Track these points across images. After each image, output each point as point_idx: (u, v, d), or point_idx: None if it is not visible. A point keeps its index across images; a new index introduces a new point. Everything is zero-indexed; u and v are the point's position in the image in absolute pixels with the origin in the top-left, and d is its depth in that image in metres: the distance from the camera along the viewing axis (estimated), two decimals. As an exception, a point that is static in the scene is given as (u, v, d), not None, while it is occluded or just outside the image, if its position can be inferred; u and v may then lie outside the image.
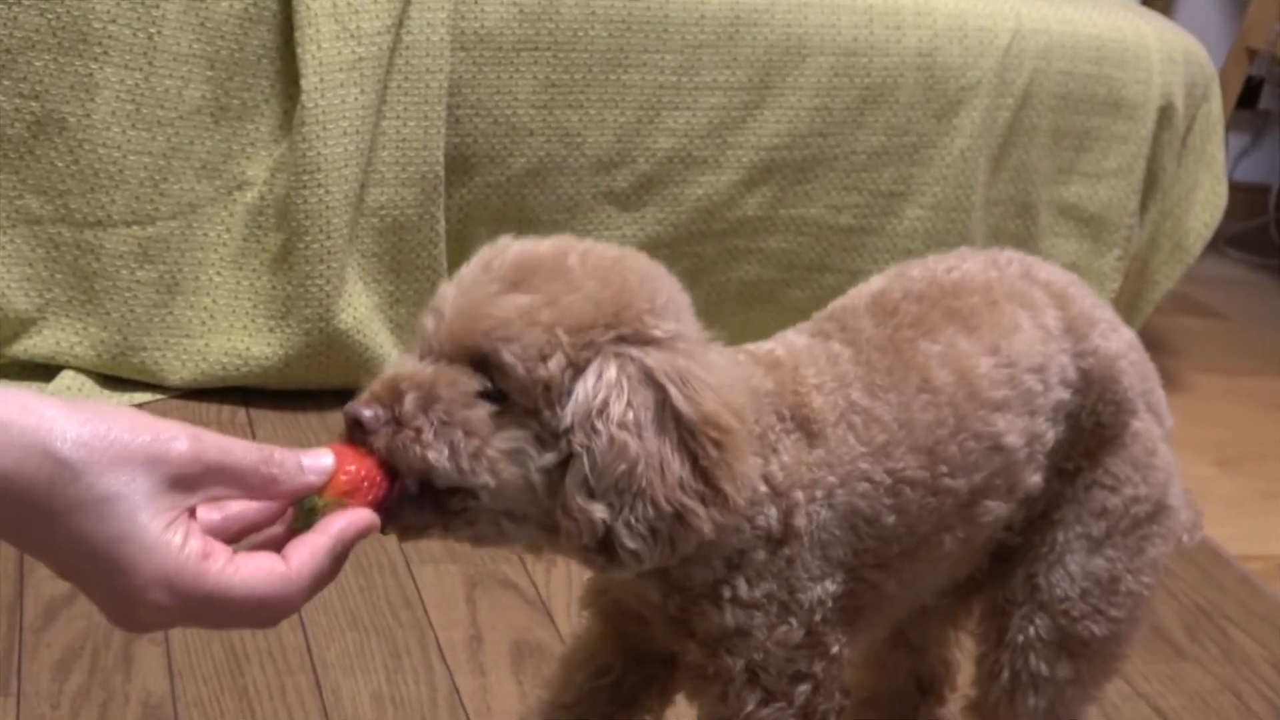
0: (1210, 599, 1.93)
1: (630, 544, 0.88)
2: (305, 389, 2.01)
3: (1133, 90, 2.41)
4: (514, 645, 1.55)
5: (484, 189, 2.09)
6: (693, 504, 0.88)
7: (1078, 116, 2.40)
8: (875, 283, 1.10)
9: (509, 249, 0.92)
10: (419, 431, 0.86)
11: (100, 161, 1.88)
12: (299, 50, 1.91)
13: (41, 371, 1.93)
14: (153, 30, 1.88)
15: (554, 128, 2.09)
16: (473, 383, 0.87)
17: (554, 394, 0.88)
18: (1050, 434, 1.07)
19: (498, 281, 0.89)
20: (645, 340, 0.89)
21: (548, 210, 2.11)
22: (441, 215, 2.03)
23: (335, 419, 2.01)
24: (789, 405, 1.00)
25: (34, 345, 1.92)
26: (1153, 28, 2.48)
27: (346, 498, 0.84)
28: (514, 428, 0.88)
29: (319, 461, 0.83)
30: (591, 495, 0.87)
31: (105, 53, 1.87)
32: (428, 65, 1.99)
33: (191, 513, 0.77)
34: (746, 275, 2.25)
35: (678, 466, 0.87)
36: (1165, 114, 2.44)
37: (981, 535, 1.09)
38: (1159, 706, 1.65)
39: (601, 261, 0.91)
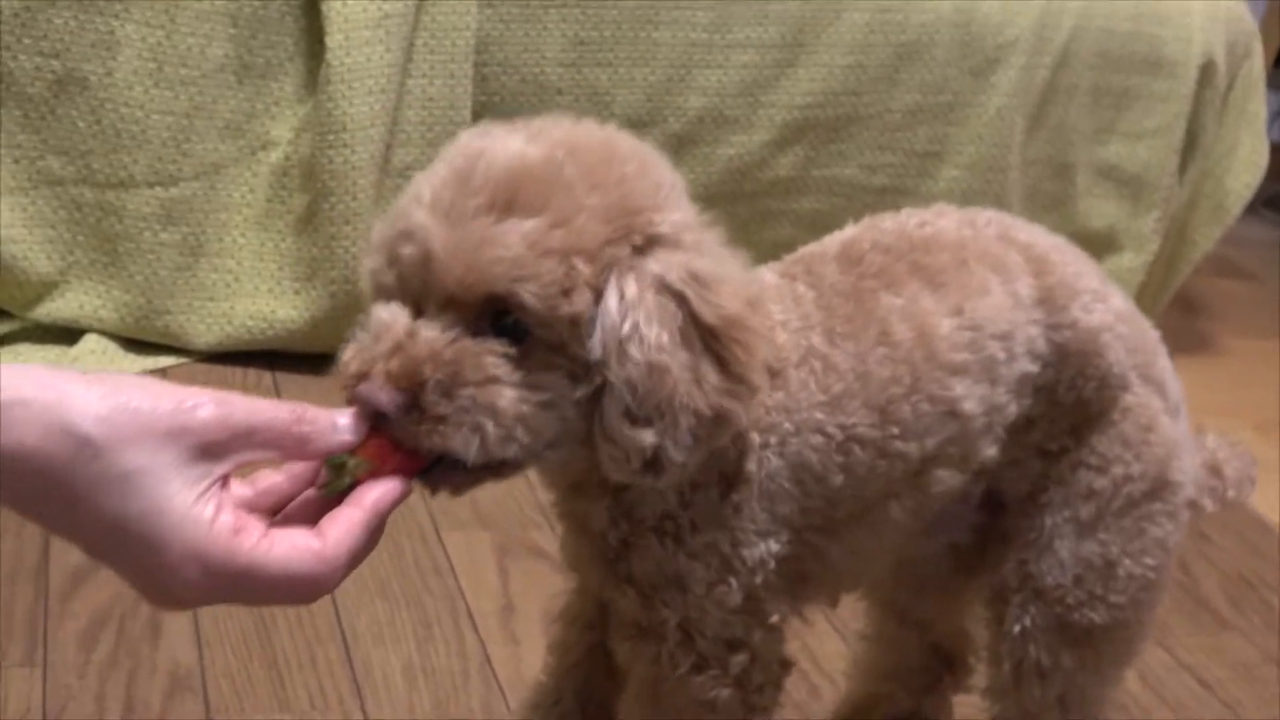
0: (1253, 568, 1.89)
1: (678, 457, 0.85)
2: (332, 352, 1.95)
3: (1173, 48, 2.36)
4: (546, 614, 1.50)
5: (512, 149, 2.05)
6: (730, 404, 0.86)
7: (1117, 75, 2.35)
8: (847, 231, 1.05)
9: (486, 155, 0.83)
10: (443, 420, 0.80)
11: (122, 121, 1.86)
12: (323, 7, 1.88)
13: (65, 335, 1.91)
14: (175, -13, 1.85)
15: (583, 86, 2.06)
16: (495, 345, 0.81)
17: (581, 327, 0.82)
18: (1012, 407, 1.02)
19: (488, 203, 0.80)
20: (655, 241, 0.84)
21: (576, 171, 2.08)
22: (469, 176, 1.99)
23: (362, 383, 1.99)
24: None
25: (57, 309, 1.90)
26: (1194, -17, 2.43)
27: (378, 460, 0.80)
28: (542, 370, 0.82)
29: (352, 423, 0.79)
30: (635, 422, 0.83)
31: (126, 9, 1.84)
32: (454, 22, 1.96)
33: (224, 483, 0.74)
34: (779, 237, 2.21)
35: (713, 374, 0.85)
36: (1206, 72, 2.40)
37: (932, 507, 1.04)
38: (1203, 678, 1.62)
39: (595, 159, 0.84)
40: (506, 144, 0.84)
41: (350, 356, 0.82)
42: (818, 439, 0.96)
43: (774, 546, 0.97)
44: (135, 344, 1.93)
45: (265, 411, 0.75)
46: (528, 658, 1.45)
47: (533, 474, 1.72)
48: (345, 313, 1.94)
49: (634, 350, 0.82)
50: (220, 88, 1.90)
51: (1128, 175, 2.42)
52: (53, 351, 1.88)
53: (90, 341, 1.90)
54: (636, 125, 2.07)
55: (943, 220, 1.04)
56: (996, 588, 1.10)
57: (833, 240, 1.04)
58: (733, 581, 0.96)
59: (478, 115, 2.00)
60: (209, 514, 0.72)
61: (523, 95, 2.03)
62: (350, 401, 0.81)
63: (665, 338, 0.83)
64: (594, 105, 2.06)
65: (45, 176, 1.86)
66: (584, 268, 0.81)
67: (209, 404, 0.73)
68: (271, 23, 1.91)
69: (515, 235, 0.80)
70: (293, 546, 0.74)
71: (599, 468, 0.88)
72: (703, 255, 0.86)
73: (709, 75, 2.11)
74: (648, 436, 0.84)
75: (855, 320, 0.97)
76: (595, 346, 0.83)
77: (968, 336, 0.99)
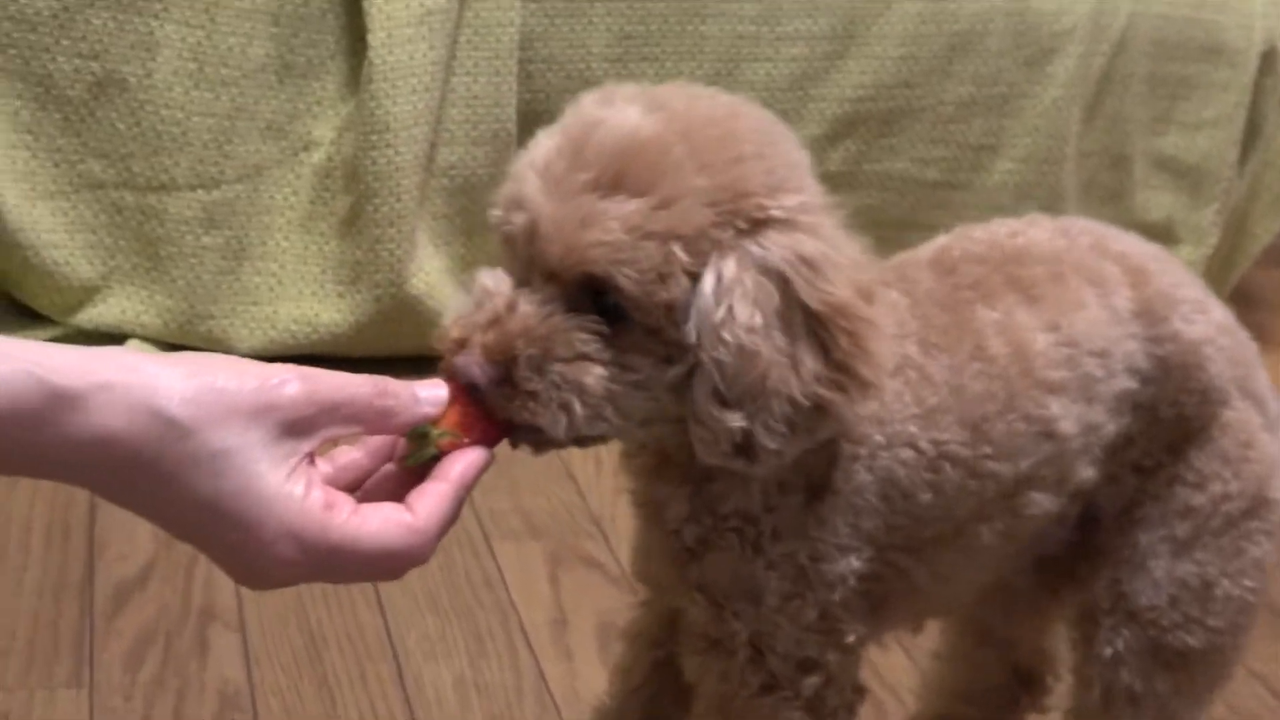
0: (1324, 572, 1.84)
1: (771, 444, 0.82)
2: (377, 356, 1.94)
3: (1234, 35, 2.31)
4: (600, 628, 1.49)
5: (557, 147, 2.02)
6: (830, 394, 0.82)
7: (1176, 63, 2.30)
8: (938, 240, 1.02)
9: (601, 126, 0.82)
10: (534, 396, 0.80)
11: (163, 123, 1.84)
12: (365, 4, 1.86)
13: (107, 341, 1.88)
14: (214, -15, 1.83)
15: (629, 82, 2.01)
16: (589, 322, 0.81)
17: (676, 313, 0.81)
18: (1110, 426, 0.98)
19: (595, 179, 0.80)
20: (763, 224, 0.81)
21: (623, 168, 2.05)
22: (514, 175, 1.96)
23: (407, 387, 1.97)
24: None
25: (99, 314, 1.88)
26: (1254, -32, 2.37)
27: (460, 429, 0.79)
28: (635, 353, 0.82)
29: (434, 392, 0.79)
30: (725, 404, 0.82)
31: (166, 9, 1.82)
32: (498, 18, 1.93)
33: (311, 460, 0.73)
34: (829, 233, 2.18)
35: (811, 361, 0.82)
36: (1268, 60, 2.33)
37: (1025, 530, 0.99)
38: (1276, 689, 1.57)
39: (710, 138, 0.82)
40: (623, 115, 0.82)
41: (452, 322, 0.83)
42: (908, 454, 0.92)
43: (855, 563, 0.93)
44: (178, 349, 1.89)
45: (348, 386, 0.74)
46: (582, 673, 1.42)
47: (584, 482, 1.71)
48: (390, 316, 1.92)
49: (727, 332, 0.80)
50: (262, 88, 1.88)
51: (1186, 166, 2.36)
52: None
53: (133, 347, 1.87)
54: (684, 121, 2.04)
55: (1035, 230, 1.01)
56: (1086, 608, 1.06)
57: (924, 248, 1.01)
58: (809, 596, 0.93)
59: (522, 113, 1.97)
60: (300, 491, 0.71)
61: (568, 92, 1.95)
62: (446, 368, 0.81)
63: (759, 319, 0.80)
64: (641, 101, 2.02)
65: (85, 180, 1.84)
66: (681, 254, 0.80)
67: (294, 380, 0.72)
68: (313, 21, 1.89)
69: (617, 217, 0.79)
70: (385, 520, 0.74)
71: (685, 450, 0.86)
72: (816, 238, 0.82)
73: (757, 69, 2.07)
74: (735, 420, 0.81)
75: (950, 332, 0.94)
76: (690, 330, 0.81)
77: (1065, 353, 0.95)
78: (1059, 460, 0.97)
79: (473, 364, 0.80)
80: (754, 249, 0.81)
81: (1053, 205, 2.23)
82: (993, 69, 2.17)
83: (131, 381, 0.68)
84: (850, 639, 0.95)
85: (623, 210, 0.79)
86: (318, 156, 1.92)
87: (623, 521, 1.69)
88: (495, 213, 0.85)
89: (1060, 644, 1.25)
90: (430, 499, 0.76)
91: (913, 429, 0.92)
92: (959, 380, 0.93)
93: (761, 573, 0.92)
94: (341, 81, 1.92)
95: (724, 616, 0.94)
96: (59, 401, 0.66)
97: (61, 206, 1.83)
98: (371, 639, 1.42)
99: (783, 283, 0.81)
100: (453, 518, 0.77)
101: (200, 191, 1.87)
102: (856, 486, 0.91)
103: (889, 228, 2.19)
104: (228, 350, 1.91)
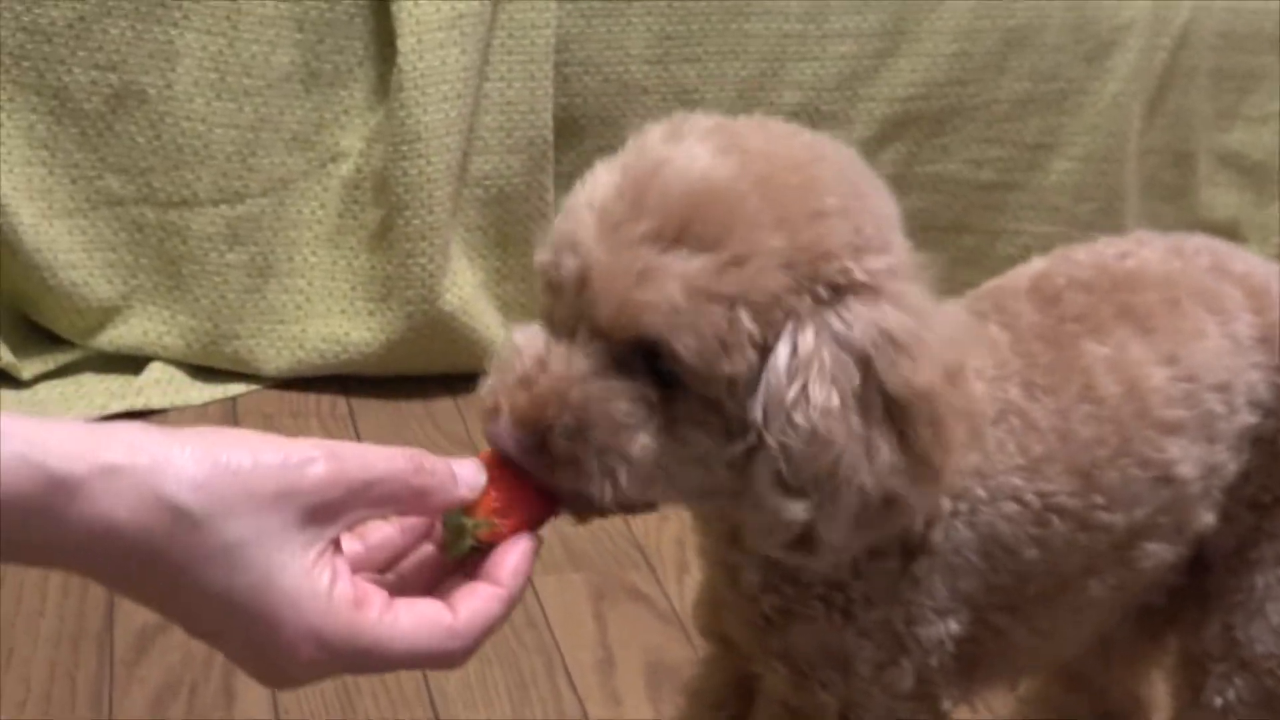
0: None
1: (833, 538, 0.75)
2: (409, 375, 1.91)
3: (1302, 24, 2.24)
4: (649, 667, 1.42)
5: (596, 153, 1.93)
6: (903, 489, 0.75)
7: (1242, 55, 2.24)
8: (1036, 264, 0.95)
9: (666, 168, 0.73)
10: (576, 463, 0.72)
11: (184, 136, 1.79)
12: (394, 8, 1.81)
13: (129, 363, 1.85)
14: (236, -9, 1.79)
15: (670, 84, 1.97)
16: (633, 389, 0.72)
17: (740, 387, 0.73)
18: (1231, 466, 0.92)
19: (656, 229, 0.71)
20: (846, 289, 0.73)
21: (664, 174, 2.00)
22: (551, 183, 1.91)
23: (442, 407, 1.91)
24: None
25: (120, 336, 1.84)
26: (1323, -47, 2.30)
27: (499, 516, 0.72)
28: (690, 425, 0.73)
29: (471, 473, 0.71)
30: (788, 492, 0.74)
31: (186, 17, 1.77)
32: (533, 20, 1.87)
33: (336, 546, 0.66)
34: (879, 239, 2.11)
35: (887, 450, 0.74)
36: (1338, 50, 2.27)
37: (1138, 582, 0.94)
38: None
39: (789, 187, 0.73)
40: (692, 157, 0.73)
41: (486, 390, 0.76)
42: (1013, 508, 0.85)
43: (953, 626, 0.86)
44: (202, 371, 1.87)
45: (379, 463, 0.67)
46: (632, 718, 1.35)
47: (628, 508, 1.64)
48: (422, 333, 1.87)
49: (799, 414, 0.72)
50: (287, 97, 1.83)
51: (1251, 163, 2.31)
52: (116, 381, 1.81)
53: (155, 370, 1.84)
54: (728, 125, 1.99)
55: (1146, 251, 0.94)
56: (1194, 654, 1.00)
57: (1020, 274, 0.94)
58: (905, 663, 0.86)
59: (559, 119, 1.91)
60: (324, 584, 0.64)
61: (606, 96, 1.95)
62: (488, 438, 0.75)
63: (835, 401, 0.72)
64: (682, 104, 1.94)
65: (104, 197, 1.80)
66: (749, 323, 0.71)
67: (319, 460, 0.64)
68: (339, 26, 1.84)
69: (677, 274, 0.70)
70: (421, 619, 0.67)
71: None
72: (902, 310, 0.74)
73: (804, 68, 2.01)
74: (799, 511, 0.74)
75: (1056, 371, 0.87)
76: (756, 408, 0.73)
77: (1183, 389, 0.88)
78: (1177, 506, 0.90)
79: (502, 433, 0.72)
80: (835, 322, 0.72)
81: (1112, 205, 2.18)
82: (1050, 64, 2.10)
83: (136, 464, 0.61)
84: (945, 705, 0.90)
85: (685, 267, 0.70)
86: (346, 168, 1.88)
87: (669, 550, 1.62)
88: (544, 255, 0.77)
89: (1152, 689, 1.18)
90: (477, 600, 0.68)
91: (1017, 481, 0.85)
92: (1066, 425, 0.86)
93: (853, 641, 0.86)
94: (370, 89, 1.87)
95: (809, 686, 0.88)
96: (56, 489, 0.60)
97: (80, 224, 1.80)
98: (407, 685, 1.35)
99: (864, 363, 0.73)
100: (500, 622, 0.69)
101: (224, 206, 1.83)
102: (956, 545, 0.84)
103: (940, 231, 2.14)
104: (254, 371, 1.87)
